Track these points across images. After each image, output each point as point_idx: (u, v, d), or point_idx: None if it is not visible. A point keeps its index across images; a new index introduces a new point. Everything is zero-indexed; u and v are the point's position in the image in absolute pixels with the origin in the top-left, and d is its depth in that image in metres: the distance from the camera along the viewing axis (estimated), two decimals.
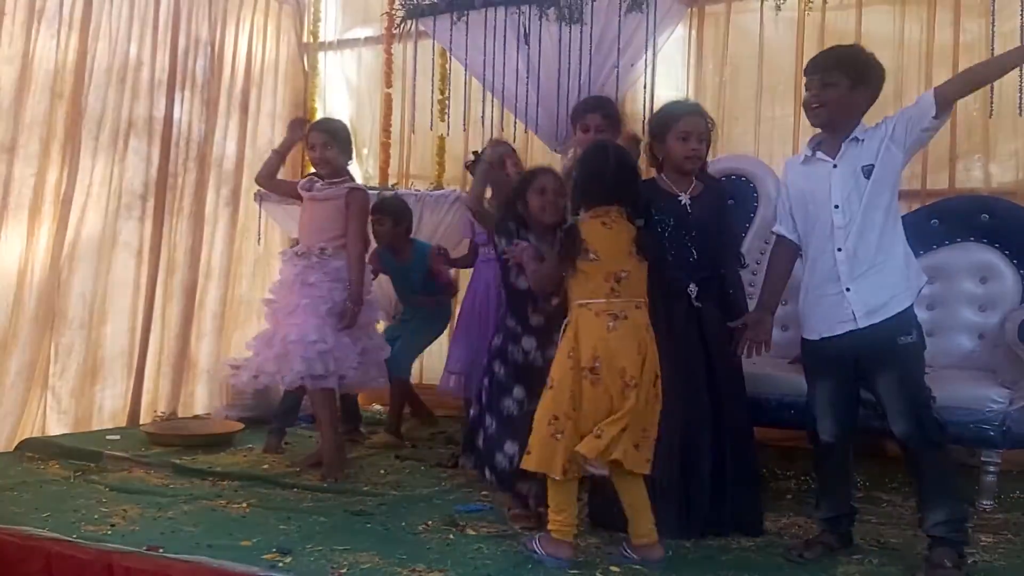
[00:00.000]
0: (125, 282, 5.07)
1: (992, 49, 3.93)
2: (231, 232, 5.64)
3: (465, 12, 4.88)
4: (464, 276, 4.77)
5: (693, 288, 3.08)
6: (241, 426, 4.69)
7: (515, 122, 4.99)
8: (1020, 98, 3.75)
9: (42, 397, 4.72)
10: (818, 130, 2.88)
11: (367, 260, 4.06)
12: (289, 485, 3.68)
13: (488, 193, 3.74)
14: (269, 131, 5.90)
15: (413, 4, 5.13)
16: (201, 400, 5.47)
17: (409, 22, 5.22)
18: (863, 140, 2.76)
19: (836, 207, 2.76)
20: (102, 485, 3.61)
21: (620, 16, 4.52)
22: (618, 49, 4.55)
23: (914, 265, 2.82)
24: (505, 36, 4.78)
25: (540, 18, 4.69)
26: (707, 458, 3.04)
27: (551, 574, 2.67)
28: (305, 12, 6.21)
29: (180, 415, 5.20)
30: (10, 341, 4.52)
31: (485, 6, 4.82)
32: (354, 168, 4.32)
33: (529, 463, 2.75)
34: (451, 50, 5.02)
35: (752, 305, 3.13)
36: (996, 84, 3.67)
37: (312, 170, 4.20)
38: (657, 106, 3.71)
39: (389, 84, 5.75)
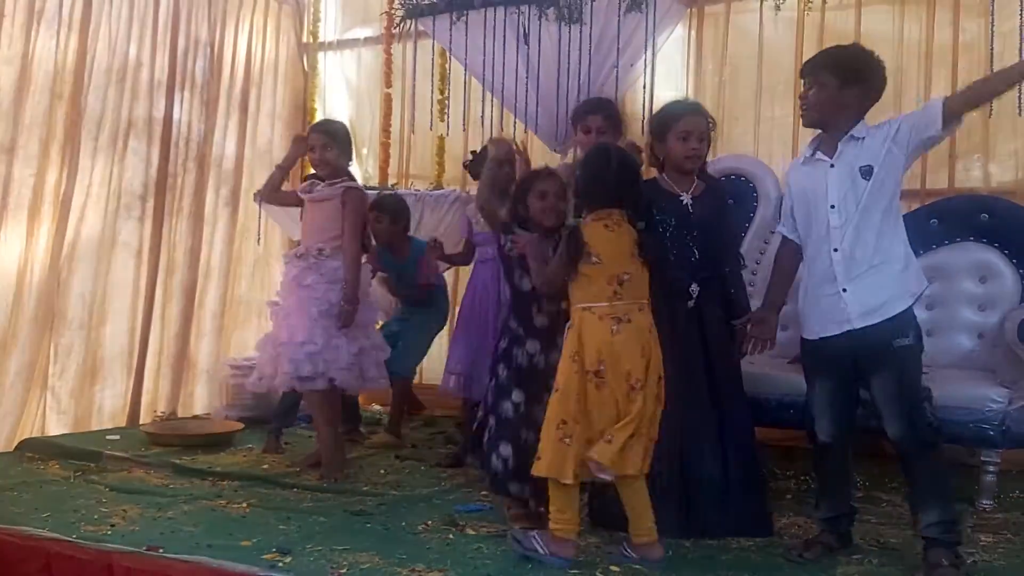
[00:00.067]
0: (125, 282, 5.07)
1: (992, 49, 3.93)
2: (231, 232, 5.64)
3: (465, 12, 4.87)
4: (464, 276, 4.76)
5: (695, 288, 3.08)
6: (241, 426, 4.69)
7: (515, 122, 4.98)
8: (1020, 98, 3.75)
9: (42, 397, 4.72)
10: (818, 130, 2.88)
11: (367, 259, 4.05)
12: (289, 485, 3.68)
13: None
14: (269, 131, 5.91)
15: (413, 4, 5.11)
16: (201, 400, 5.47)
17: (409, 22, 5.20)
18: (863, 139, 2.75)
19: (832, 207, 2.75)
20: (102, 485, 3.61)
21: (620, 16, 4.51)
22: (618, 49, 4.55)
23: (915, 268, 2.79)
24: (505, 36, 4.76)
25: (540, 18, 4.68)
26: (709, 459, 3.05)
27: (551, 574, 2.67)
28: (305, 12, 6.22)
29: (180, 415, 5.20)
30: (10, 341, 4.52)
31: (485, 6, 4.81)
32: (354, 168, 4.32)
33: (540, 469, 2.73)
34: (451, 50, 5.01)
35: (754, 305, 3.13)
36: None
37: (312, 172, 4.21)
38: (657, 106, 3.71)
39: (389, 84, 5.76)
